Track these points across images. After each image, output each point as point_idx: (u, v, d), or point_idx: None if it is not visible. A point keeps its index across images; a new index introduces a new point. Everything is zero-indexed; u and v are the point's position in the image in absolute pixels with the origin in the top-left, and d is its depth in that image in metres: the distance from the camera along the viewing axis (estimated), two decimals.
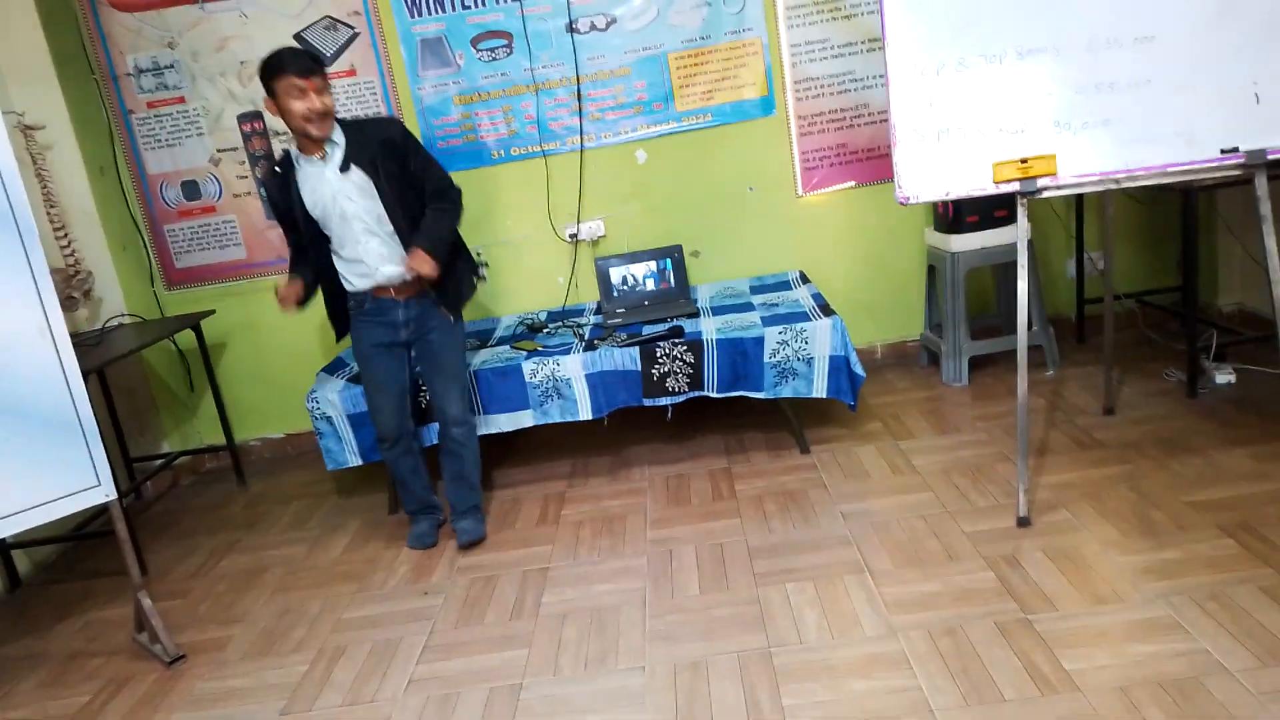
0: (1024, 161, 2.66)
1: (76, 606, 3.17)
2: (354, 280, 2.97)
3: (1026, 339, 2.73)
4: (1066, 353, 4.04)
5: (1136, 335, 4.10)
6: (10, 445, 2.49)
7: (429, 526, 3.23)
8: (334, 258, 2.97)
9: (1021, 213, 2.70)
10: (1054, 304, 4.24)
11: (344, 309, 3.07)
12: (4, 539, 3.20)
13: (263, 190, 2.97)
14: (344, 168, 2.82)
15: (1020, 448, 2.70)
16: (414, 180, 2.91)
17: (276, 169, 2.92)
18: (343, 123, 2.86)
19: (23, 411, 2.51)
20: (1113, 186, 2.65)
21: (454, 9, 3.96)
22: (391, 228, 2.88)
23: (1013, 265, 3.87)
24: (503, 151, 4.11)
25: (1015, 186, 2.66)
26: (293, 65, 2.67)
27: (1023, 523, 2.69)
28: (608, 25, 3.99)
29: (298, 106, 2.69)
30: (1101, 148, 2.62)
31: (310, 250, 2.96)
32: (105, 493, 2.64)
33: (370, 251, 2.90)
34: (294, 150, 2.87)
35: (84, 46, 3.97)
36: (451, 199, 2.98)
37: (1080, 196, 4.03)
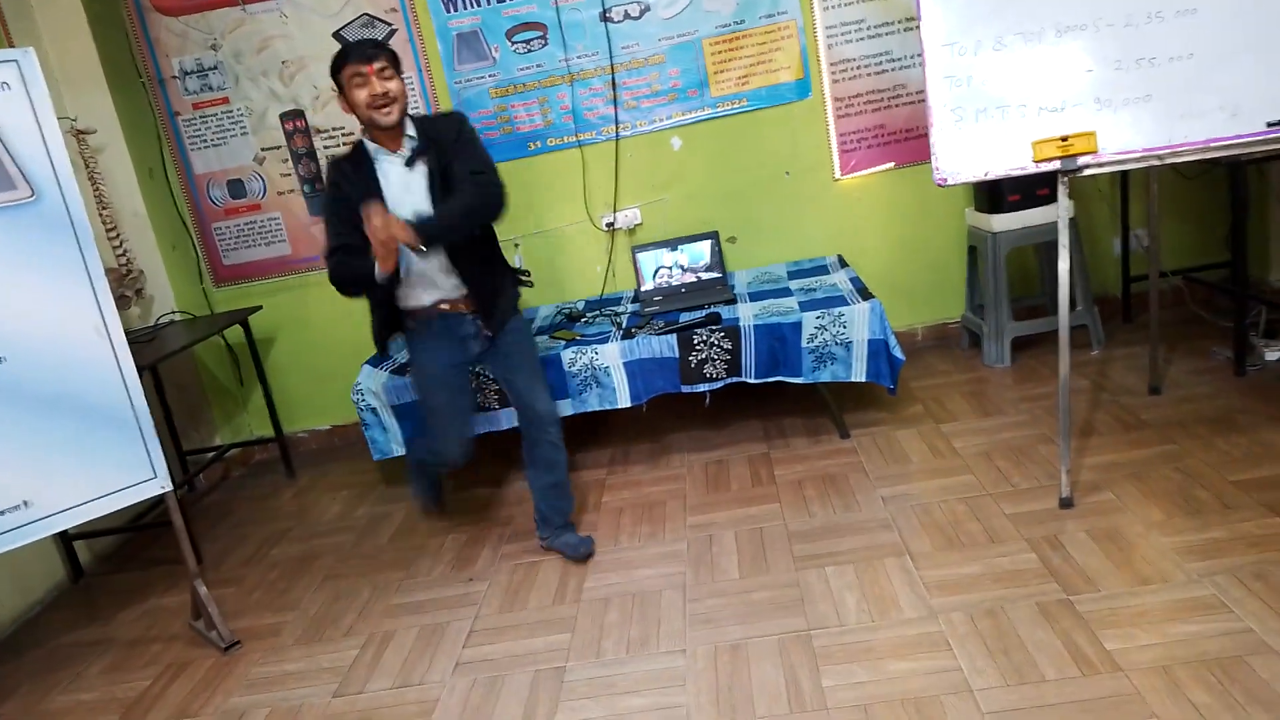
0: (1064, 139, 2.62)
1: (136, 595, 3.28)
2: (420, 295, 2.72)
3: (1069, 319, 2.71)
4: (1112, 332, 3.98)
5: (1184, 313, 4.02)
6: (71, 440, 2.59)
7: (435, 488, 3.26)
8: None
9: (1062, 191, 2.67)
10: (1100, 282, 4.17)
11: (393, 321, 2.80)
12: (66, 530, 3.32)
13: (329, 184, 2.65)
14: (409, 162, 2.62)
15: (1062, 428, 2.68)
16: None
17: (346, 162, 2.64)
18: (414, 119, 2.66)
19: (82, 408, 2.61)
20: (1155, 163, 2.61)
21: (489, 2, 3.99)
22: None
23: (1055, 244, 3.81)
24: (539, 142, 4.14)
25: (1056, 165, 2.63)
26: (354, 54, 2.53)
27: (1065, 504, 2.67)
28: (641, 13, 4.00)
29: (361, 95, 2.53)
30: (1143, 124, 2.57)
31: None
32: (161, 485, 2.74)
33: (434, 261, 2.65)
34: (368, 142, 2.64)
35: (131, 51, 4.08)
36: (479, 182, 2.59)
37: (1125, 173, 3.95)
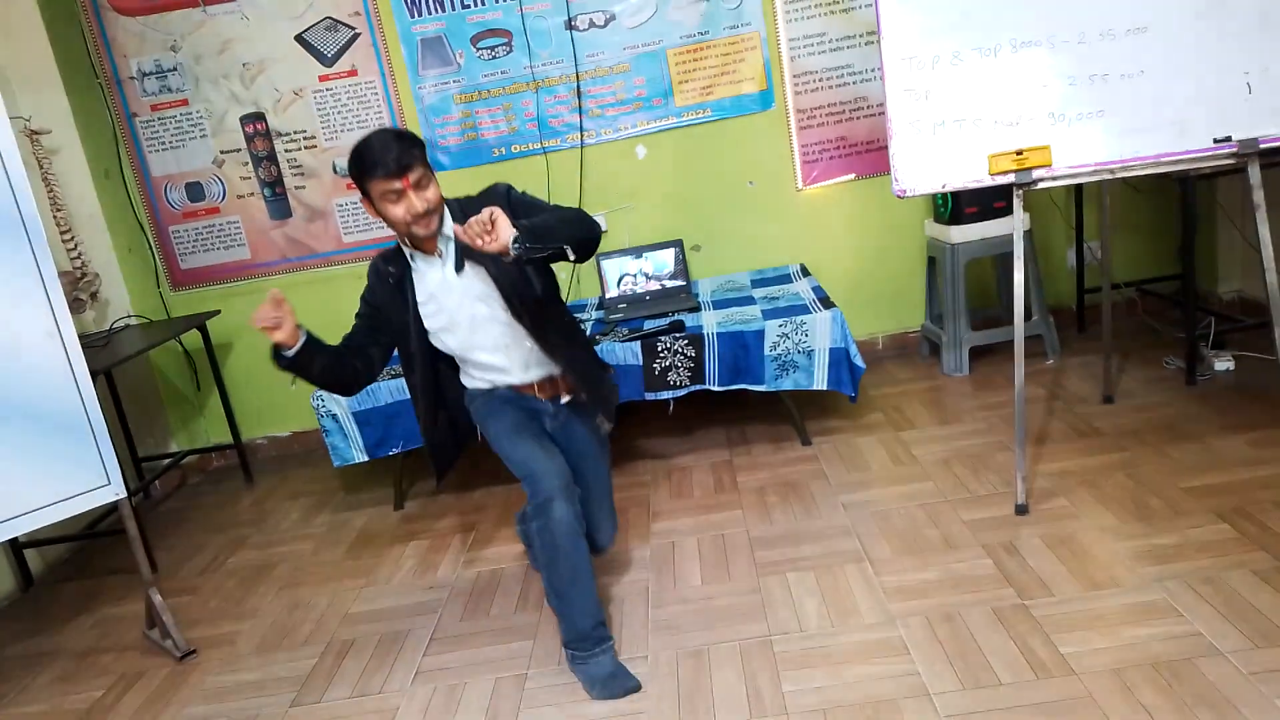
0: (1019, 153, 2.68)
1: (88, 604, 3.21)
2: (485, 383, 2.49)
3: (1024, 329, 2.76)
4: (1067, 342, 4.06)
5: (1136, 324, 4.11)
6: (21, 446, 2.53)
7: (616, 662, 2.31)
8: (461, 366, 2.50)
9: (1017, 204, 2.72)
10: (1055, 293, 4.25)
11: (450, 433, 2.58)
12: (16, 538, 3.25)
13: (367, 283, 2.42)
14: (458, 267, 2.31)
15: (1018, 436, 2.73)
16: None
17: (390, 269, 2.37)
18: (453, 207, 2.32)
19: (33, 413, 2.55)
20: (1107, 176, 2.67)
21: (454, 8, 3.99)
22: (522, 328, 2.33)
23: (1012, 256, 3.89)
24: (503, 149, 4.14)
25: (1011, 178, 2.69)
26: (381, 165, 2.13)
27: (1021, 510, 2.72)
28: (606, 22, 4.02)
29: (397, 212, 2.18)
30: (1096, 138, 2.64)
31: (414, 366, 2.44)
32: (115, 491, 2.68)
33: (513, 359, 2.40)
34: (404, 247, 2.34)
35: (88, 51, 4.01)
36: (558, 208, 2.32)
37: (1080, 186, 4.04)
